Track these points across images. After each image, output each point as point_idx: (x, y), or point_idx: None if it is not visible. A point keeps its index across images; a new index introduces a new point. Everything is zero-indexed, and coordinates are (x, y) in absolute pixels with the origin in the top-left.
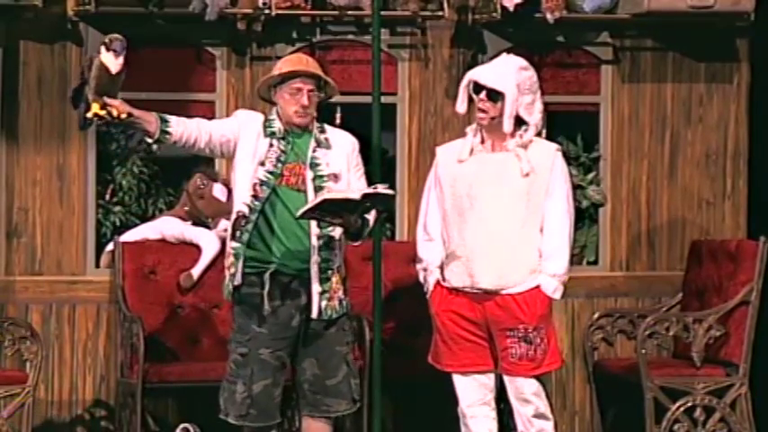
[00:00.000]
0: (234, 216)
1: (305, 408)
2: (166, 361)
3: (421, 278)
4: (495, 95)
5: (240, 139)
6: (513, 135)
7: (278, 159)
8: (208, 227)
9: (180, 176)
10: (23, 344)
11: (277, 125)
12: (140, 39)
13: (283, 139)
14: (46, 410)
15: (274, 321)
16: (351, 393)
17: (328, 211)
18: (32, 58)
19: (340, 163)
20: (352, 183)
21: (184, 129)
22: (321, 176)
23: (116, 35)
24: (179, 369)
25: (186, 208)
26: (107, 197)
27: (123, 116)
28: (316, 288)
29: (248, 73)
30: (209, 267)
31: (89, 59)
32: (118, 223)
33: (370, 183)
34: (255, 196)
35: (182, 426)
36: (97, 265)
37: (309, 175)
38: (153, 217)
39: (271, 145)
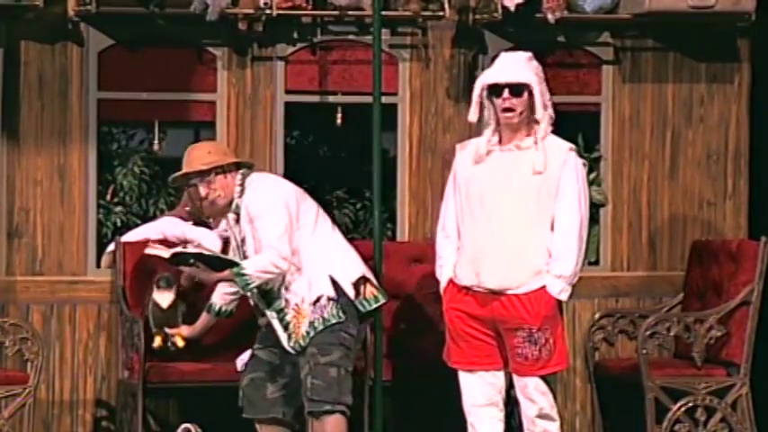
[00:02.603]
0: None
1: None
2: (167, 361)
3: (438, 275)
4: (518, 89)
5: None
6: (530, 132)
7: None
8: (209, 227)
9: None
10: (24, 344)
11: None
12: (141, 39)
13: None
14: (47, 411)
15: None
16: (339, 396)
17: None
18: (33, 58)
19: (244, 228)
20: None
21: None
22: (236, 246)
23: (164, 273)
24: (180, 369)
25: (187, 208)
26: (108, 197)
27: (182, 343)
28: (280, 332)
29: (249, 73)
30: None
31: (151, 299)
32: (119, 223)
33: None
34: None
35: (183, 426)
36: (98, 266)
37: (232, 244)
38: (154, 217)
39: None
